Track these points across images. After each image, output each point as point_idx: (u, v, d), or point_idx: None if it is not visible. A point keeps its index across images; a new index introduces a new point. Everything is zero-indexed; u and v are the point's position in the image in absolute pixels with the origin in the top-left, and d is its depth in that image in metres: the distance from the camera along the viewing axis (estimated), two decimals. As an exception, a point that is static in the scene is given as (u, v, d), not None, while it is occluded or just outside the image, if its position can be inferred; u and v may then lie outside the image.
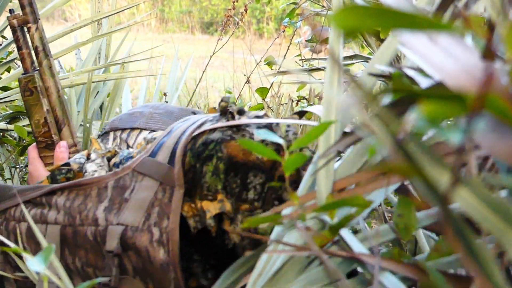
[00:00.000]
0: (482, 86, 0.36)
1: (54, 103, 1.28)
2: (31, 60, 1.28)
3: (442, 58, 0.40)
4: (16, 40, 1.27)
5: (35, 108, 1.27)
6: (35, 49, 1.27)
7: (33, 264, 0.61)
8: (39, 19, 1.27)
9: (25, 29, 1.27)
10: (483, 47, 0.40)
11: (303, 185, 0.65)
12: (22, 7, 1.25)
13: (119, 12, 2.21)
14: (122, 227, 0.94)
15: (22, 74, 1.28)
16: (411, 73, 0.52)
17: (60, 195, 1.02)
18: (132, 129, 1.29)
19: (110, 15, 2.20)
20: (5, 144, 2.00)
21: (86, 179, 1.02)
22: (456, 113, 0.38)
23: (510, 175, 0.49)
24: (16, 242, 1.03)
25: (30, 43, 1.28)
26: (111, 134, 1.28)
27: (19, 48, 1.27)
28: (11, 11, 1.26)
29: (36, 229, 0.88)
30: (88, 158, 1.16)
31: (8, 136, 2.03)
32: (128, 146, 1.27)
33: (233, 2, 2.56)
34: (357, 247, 0.55)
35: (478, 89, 0.37)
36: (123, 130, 1.29)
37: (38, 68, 1.28)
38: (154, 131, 1.28)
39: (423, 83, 0.51)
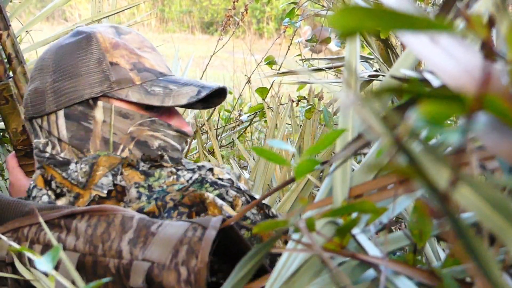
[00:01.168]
0: (481, 86, 0.37)
1: None
2: (4, 68, 1.24)
3: (443, 59, 0.40)
4: None
5: (12, 116, 1.24)
6: (8, 56, 1.24)
7: (41, 264, 0.61)
8: (10, 25, 1.24)
9: None
10: (484, 47, 0.40)
11: (321, 191, 0.65)
12: None
13: (119, 12, 2.22)
14: (148, 263, 0.88)
15: None
16: (428, 76, 0.52)
17: (81, 219, 0.95)
18: None
19: (110, 15, 2.20)
20: (5, 144, 2.00)
21: (112, 206, 0.95)
22: (456, 113, 0.38)
23: (511, 175, 0.49)
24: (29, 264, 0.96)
25: (2, 51, 1.24)
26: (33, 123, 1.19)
27: None
28: None
29: (64, 256, 0.85)
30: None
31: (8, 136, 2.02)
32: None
33: (234, 2, 2.56)
34: (373, 251, 0.55)
35: (477, 89, 0.37)
36: None
37: (12, 76, 1.25)
38: None
39: (436, 85, 0.51)
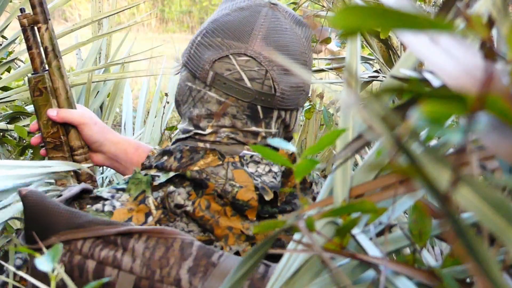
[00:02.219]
0: (482, 86, 0.37)
1: (63, 104, 1.27)
2: (41, 60, 1.27)
3: (443, 59, 0.40)
4: (26, 39, 1.27)
5: (44, 109, 1.26)
6: (45, 49, 1.26)
7: (41, 264, 0.60)
8: (50, 19, 1.26)
9: (36, 29, 1.26)
10: (484, 47, 0.40)
11: (323, 191, 0.65)
12: (33, 6, 1.24)
13: (119, 12, 2.22)
14: None
15: (32, 74, 1.28)
16: (428, 76, 0.52)
17: (138, 239, 0.91)
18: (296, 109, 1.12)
19: (110, 15, 2.21)
20: (5, 144, 2.00)
21: (171, 229, 0.92)
22: (456, 113, 0.38)
23: (511, 175, 0.49)
24: (80, 277, 0.93)
25: (40, 43, 1.27)
26: (275, 112, 1.08)
27: (29, 48, 1.26)
28: (22, 10, 1.27)
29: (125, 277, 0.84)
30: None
31: (8, 136, 2.02)
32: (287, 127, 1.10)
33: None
34: (373, 251, 0.55)
35: (478, 89, 0.37)
36: (286, 110, 1.10)
37: (47, 69, 1.27)
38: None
39: (437, 85, 0.51)
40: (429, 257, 0.70)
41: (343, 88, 0.66)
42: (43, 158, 1.93)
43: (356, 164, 1.42)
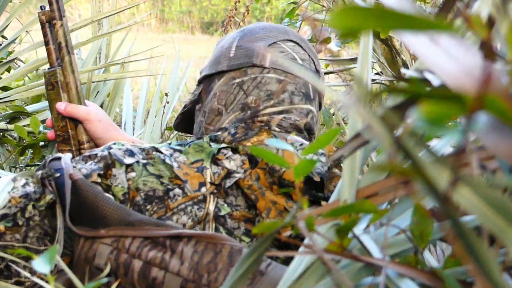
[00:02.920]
0: (481, 86, 0.37)
1: (73, 99, 1.32)
2: (57, 55, 1.33)
3: (442, 59, 0.40)
4: (44, 35, 1.33)
5: (56, 102, 1.31)
6: (59, 45, 1.32)
7: (38, 266, 0.60)
8: (64, 16, 1.32)
9: (52, 25, 1.33)
10: (483, 47, 0.40)
11: (334, 195, 0.65)
12: (50, 3, 1.31)
13: (119, 12, 2.21)
14: None
15: (48, 69, 1.33)
16: (428, 76, 0.52)
17: (187, 242, 0.92)
18: None
19: (110, 15, 2.20)
20: (5, 144, 2.00)
21: (221, 235, 0.92)
22: (456, 113, 0.38)
23: (511, 175, 0.49)
24: (125, 276, 0.93)
25: (55, 39, 1.33)
26: (318, 96, 1.21)
27: (46, 43, 1.33)
28: (42, 7, 1.33)
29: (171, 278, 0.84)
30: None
31: (8, 136, 2.02)
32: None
33: (235, 3, 2.56)
34: (377, 253, 0.55)
35: (477, 89, 0.37)
36: None
37: (61, 64, 1.32)
38: None
39: (436, 85, 0.51)
40: (431, 258, 0.70)
41: (343, 88, 0.66)
42: (43, 158, 1.94)
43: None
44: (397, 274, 0.52)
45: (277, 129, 1.10)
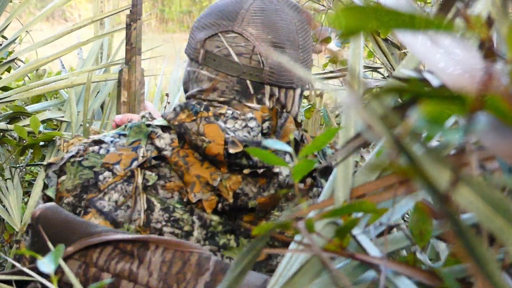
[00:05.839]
0: (481, 86, 0.37)
1: (131, 97, 1.44)
2: (131, 55, 1.46)
3: (442, 59, 0.40)
4: (126, 35, 1.46)
5: (120, 99, 1.45)
6: (130, 45, 1.45)
7: (43, 266, 0.60)
8: (139, 19, 1.44)
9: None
10: (483, 47, 0.40)
11: (324, 192, 0.65)
12: (133, 5, 1.43)
13: (119, 12, 2.22)
14: None
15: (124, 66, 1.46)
16: (428, 76, 0.52)
17: (154, 251, 0.91)
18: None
19: (110, 15, 2.21)
20: (5, 144, 2.00)
21: (189, 243, 0.92)
22: (456, 114, 0.38)
23: (511, 175, 0.49)
24: None
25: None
26: (267, 88, 1.09)
27: (126, 43, 1.46)
28: (131, 10, 1.45)
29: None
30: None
31: (8, 136, 2.03)
32: (284, 107, 1.10)
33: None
34: (374, 252, 0.55)
35: (477, 89, 0.37)
36: (280, 87, 1.10)
37: (129, 63, 1.45)
38: None
39: (436, 85, 0.51)
40: (422, 257, 0.70)
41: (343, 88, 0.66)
42: (43, 158, 1.94)
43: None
44: (393, 273, 0.52)
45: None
